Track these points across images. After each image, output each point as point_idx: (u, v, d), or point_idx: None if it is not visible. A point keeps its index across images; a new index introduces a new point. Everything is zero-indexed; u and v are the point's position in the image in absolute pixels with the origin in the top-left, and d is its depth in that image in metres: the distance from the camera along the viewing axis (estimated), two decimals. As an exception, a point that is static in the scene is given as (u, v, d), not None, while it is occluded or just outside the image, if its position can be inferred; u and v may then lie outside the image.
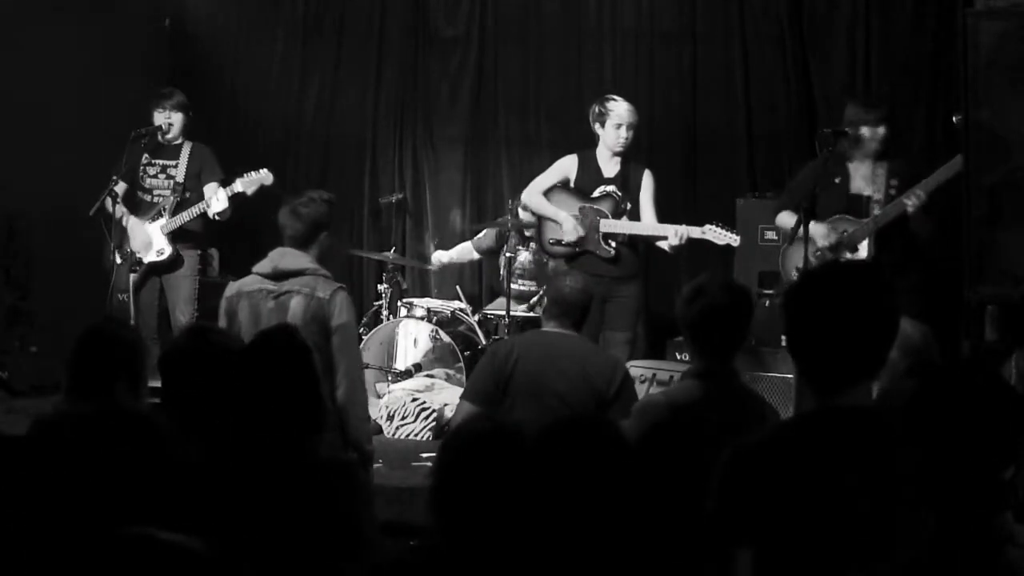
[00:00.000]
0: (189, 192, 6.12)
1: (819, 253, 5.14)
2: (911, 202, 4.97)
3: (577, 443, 2.04)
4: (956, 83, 5.58)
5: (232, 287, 4.15)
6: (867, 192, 5.18)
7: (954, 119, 5.08)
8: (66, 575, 1.47)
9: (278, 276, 4.03)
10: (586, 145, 5.83)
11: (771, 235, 5.87)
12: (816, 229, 5.10)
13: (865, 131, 5.14)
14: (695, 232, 5.45)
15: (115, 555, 1.44)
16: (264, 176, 5.97)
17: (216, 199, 5.95)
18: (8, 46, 6.80)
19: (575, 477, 1.68)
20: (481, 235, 6.98)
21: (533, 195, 5.80)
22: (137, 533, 1.48)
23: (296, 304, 3.96)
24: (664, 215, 5.70)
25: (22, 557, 2.08)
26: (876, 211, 5.12)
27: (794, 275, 5.30)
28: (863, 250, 5.14)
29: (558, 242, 5.71)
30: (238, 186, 5.95)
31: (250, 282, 4.09)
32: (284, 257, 4.08)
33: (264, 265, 4.09)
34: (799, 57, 6.63)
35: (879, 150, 5.18)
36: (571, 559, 1.69)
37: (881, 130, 5.18)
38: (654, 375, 5.39)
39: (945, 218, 6.01)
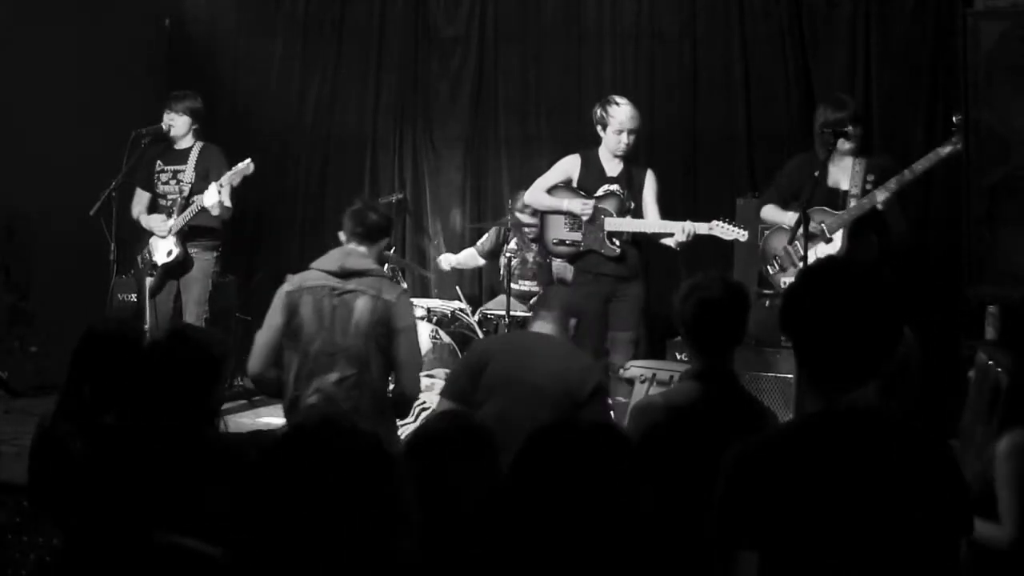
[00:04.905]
0: (197, 194, 6.10)
1: (795, 243, 5.17)
2: (882, 196, 5.04)
3: (574, 447, 2.02)
4: (956, 83, 5.60)
5: (293, 281, 4.14)
6: (844, 186, 5.23)
7: (954, 119, 5.09)
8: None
9: (344, 275, 4.06)
10: (585, 145, 5.84)
11: (772, 235, 5.86)
12: (793, 219, 5.13)
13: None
14: (702, 228, 5.45)
15: (149, 561, 1.45)
16: (245, 166, 5.94)
17: (208, 193, 5.93)
18: (8, 46, 6.80)
19: (569, 480, 1.63)
20: (483, 239, 6.98)
21: (536, 193, 5.81)
22: (167, 540, 1.50)
23: (362, 304, 4.00)
24: (665, 215, 5.69)
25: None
26: (851, 204, 5.16)
27: (773, 263, 5.37)
28: (837, 240, 5.19)
29: (562, 242, 5.71)
30: (224, 180, 5.93)
31: (313, 278, 4.10)
32: (349, 256, 4.11)
33: (329, 262, 4.11)
34: (799, 57, 6.62)
35: (854, 147, 5.21)
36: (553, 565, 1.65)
37: (850, 129, 5.21)
38: (654, 375, 5.38)
39: (924, 216, 6.07)
